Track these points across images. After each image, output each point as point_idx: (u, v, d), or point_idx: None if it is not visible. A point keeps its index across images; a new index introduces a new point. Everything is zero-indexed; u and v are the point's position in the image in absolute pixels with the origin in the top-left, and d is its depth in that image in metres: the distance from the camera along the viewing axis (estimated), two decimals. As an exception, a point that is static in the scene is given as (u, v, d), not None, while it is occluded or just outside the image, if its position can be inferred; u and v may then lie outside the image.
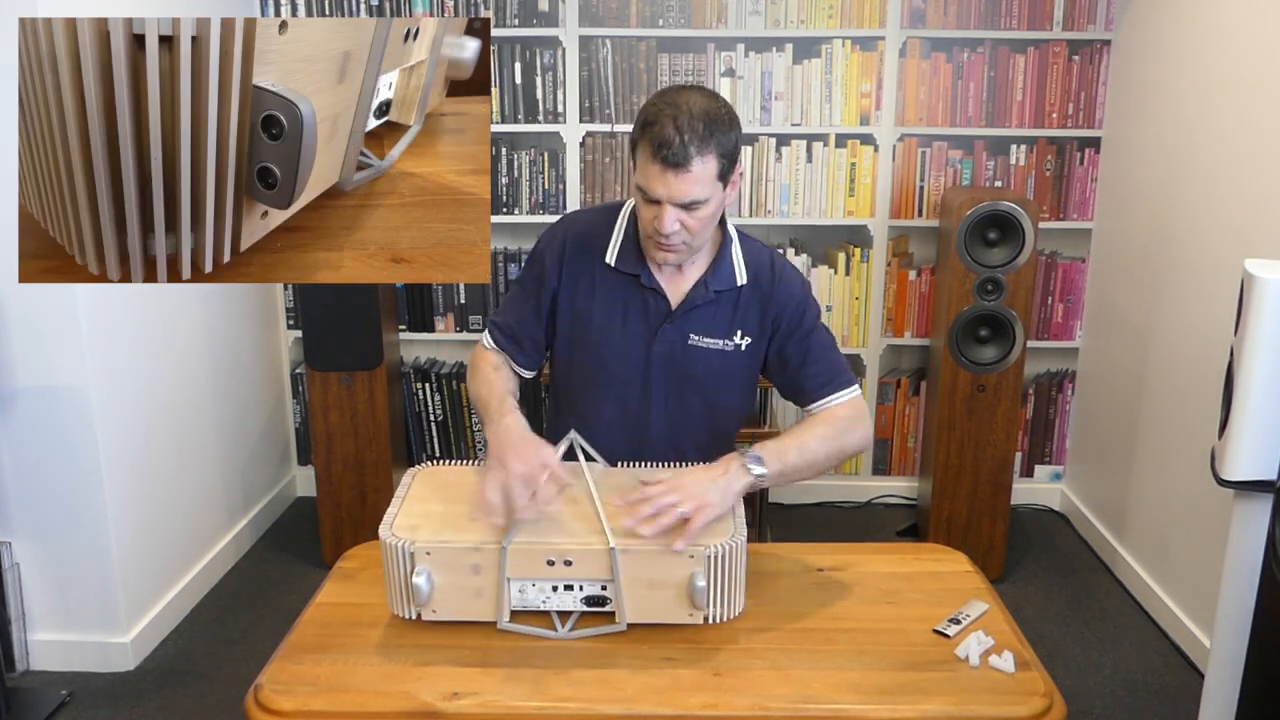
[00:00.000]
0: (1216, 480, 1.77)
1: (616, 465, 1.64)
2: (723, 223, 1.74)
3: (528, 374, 1.81)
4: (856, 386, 1.73)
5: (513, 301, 1.81)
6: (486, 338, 1.81)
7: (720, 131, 1.55)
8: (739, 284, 1.73)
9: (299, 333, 3.54)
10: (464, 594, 1.40)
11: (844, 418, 1.68)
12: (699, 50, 3.35)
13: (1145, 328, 3.07)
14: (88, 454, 2.54)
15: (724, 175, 1.58)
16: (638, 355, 1.74)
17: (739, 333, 1.74)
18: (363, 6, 3.34)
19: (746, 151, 3.41)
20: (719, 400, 1.79)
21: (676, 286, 1.73)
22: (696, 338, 1.73)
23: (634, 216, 1.73)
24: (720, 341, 1.74)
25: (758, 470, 1.52)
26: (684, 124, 1.52)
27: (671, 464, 1.63)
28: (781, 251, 3.47)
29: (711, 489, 1.46)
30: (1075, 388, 3.61)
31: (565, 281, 1.75)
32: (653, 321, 1.73)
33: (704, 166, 1.54)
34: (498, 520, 1.41)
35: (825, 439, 1.64)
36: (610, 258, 1.73)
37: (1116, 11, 3.30)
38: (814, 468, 1.62)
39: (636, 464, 1.64)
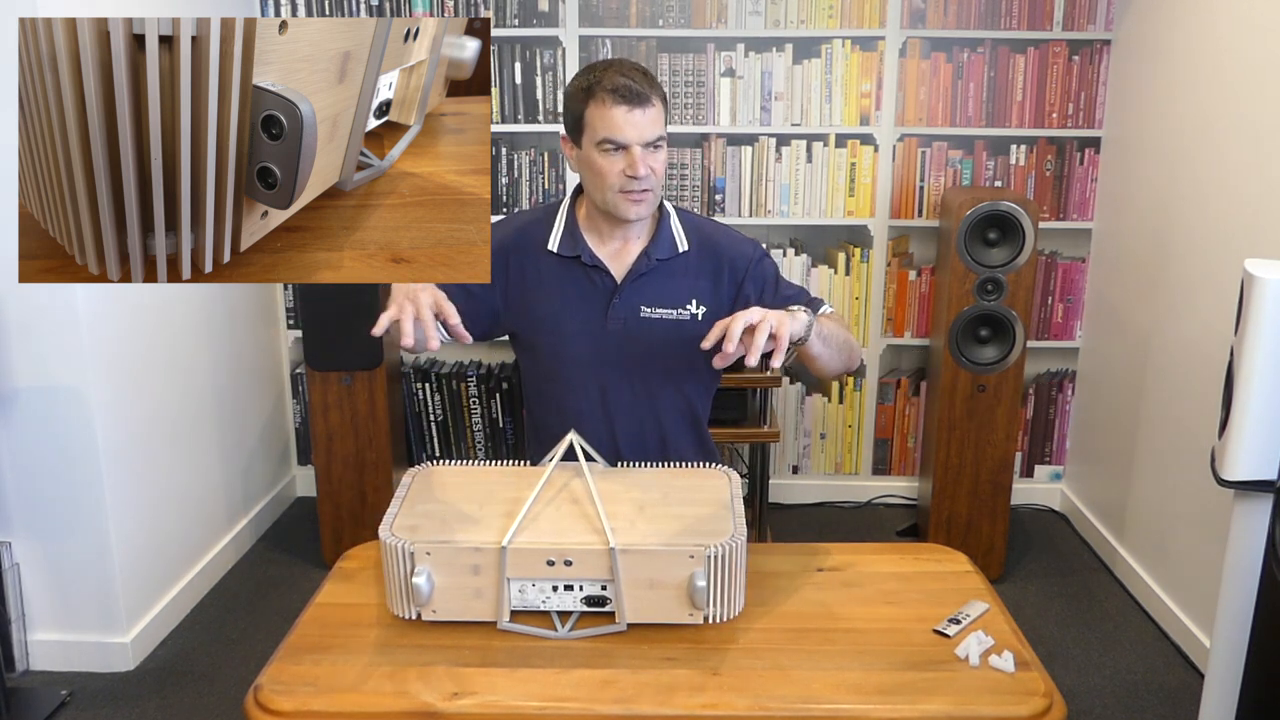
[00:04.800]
0: (1216, 480, 1.77)
1: (616, 465, 1.64)
2: (660, 203, 1.78)
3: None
4: None
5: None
6: None
7: (656, 81, 1.65)
8: (680, 250, 1.76)
9: (299, 333, 3.54)
10: (464, 594, 1.40)
11: (841, 318, 1.78)
12: (699, 50, 3.35)
13: (1145, 328, 3.07)
14: (88, 454, 2.54)
15: (665, 124, 1.67)
16: (595, 336, 1.75)
17: (693, 301, 1.75)
18: (363, 6, 3.34)
19: (746, 151, 3.42)
20: (684, 376, 1.79)
21: (620, 261, 1.75)
22: (649, 309, 1.74)
23: (574, 206, 1.77)
24: (674, 311, 1.75)
25: (803, 315, 1.57)
26: (629, 70, 1.62)
27: (663, 464, 1.64)
28: (782, 252, 3.48)
29: (776, 314, 1.48)
30: (1075, 388, 3.61)
31: (512, 279, 1.77)
32: (601, 299, 1.74)
33: (658, 106, 1.63)
34: (406, 340, 1.44)
35: (839, 326, 1.70)
36: (552, 244, 1.75)
37: (1116, 11, 3.30)
38: (833, 340, 1.65)
39: (635, 464, 1.64)
